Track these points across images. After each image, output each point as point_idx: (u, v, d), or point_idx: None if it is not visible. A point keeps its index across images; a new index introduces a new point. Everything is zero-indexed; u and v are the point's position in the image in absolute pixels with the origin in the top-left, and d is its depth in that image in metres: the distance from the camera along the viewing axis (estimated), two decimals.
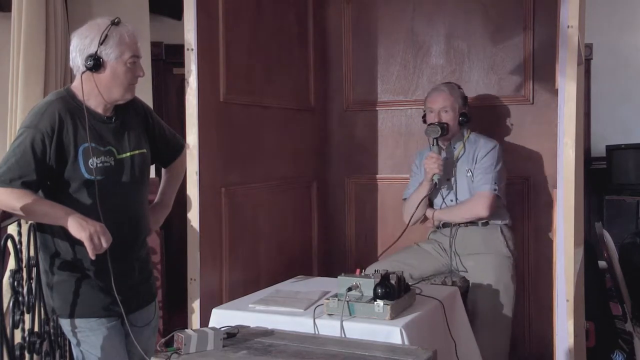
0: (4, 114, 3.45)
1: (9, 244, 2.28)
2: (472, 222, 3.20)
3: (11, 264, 2.47)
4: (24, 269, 2.36)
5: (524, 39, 3.46)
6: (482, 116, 3.49)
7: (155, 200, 2.62)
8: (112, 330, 2.31)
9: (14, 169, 2.15)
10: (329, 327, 2.33)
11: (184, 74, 2.72)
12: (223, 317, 2.51)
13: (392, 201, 3.72)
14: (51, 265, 2.29)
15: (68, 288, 2.27)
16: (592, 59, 6.06)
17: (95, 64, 2.23)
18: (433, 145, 3.18)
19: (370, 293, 2.38)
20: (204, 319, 2.65)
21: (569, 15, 2.33)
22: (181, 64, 2.78)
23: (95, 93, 2.28)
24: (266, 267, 3.20)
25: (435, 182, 3.18)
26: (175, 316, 4.15)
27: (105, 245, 2.12)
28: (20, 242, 2.35)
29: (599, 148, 6.04)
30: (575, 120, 2.34)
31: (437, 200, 3.30)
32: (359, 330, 2.29)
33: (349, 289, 2.40)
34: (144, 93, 3.33)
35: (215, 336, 2.10)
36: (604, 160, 5.98)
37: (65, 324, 2.31)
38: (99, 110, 2.31)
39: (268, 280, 3.09)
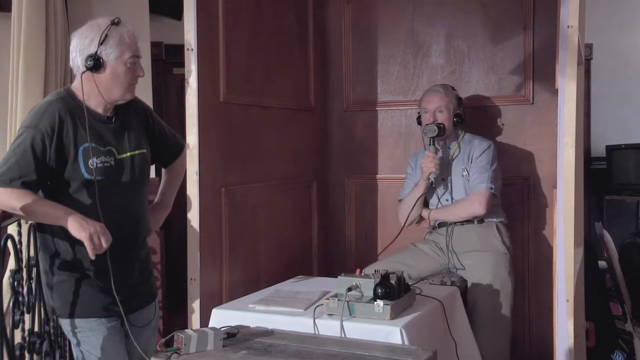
0: (4, 114, 3.45)
1: (9, 244, 2.28)
2: (468, 221, 3.21)
3: (11, 264, 2.47)
4: (24, 269, 2.36)
5: (524, 39, 3.46)
6: (482, 116, 3.49)
7: (155, 200, 2.62)
8: (112, 331, 2.31)
9: (14, 169, 2.15)
10: (329, 327, 2.33)
11: (184, 74, 2.72)
12: (223, 317, 2.51)
13: (392, 201, 3.71)
14: (51, 265, 2.29)
15: (68, 288, 2.27)
16: (592, 59, 6.06)
17: (95, 64, 2.23)
18: (429, 144, 3.20)
19: (370, 293, 2.38)
20: (204, 319, 2.65)
21: (569, 15, 2.33)
22: (181, 64, 2.78)
23: (95, 93, 2.28)
24: (266, 267, 3.20)
25: (432, 182, 3.19)
26: (175, 316, 4.15)
27: (105, 245, 2.12)
28: (20, 242, 2.35)
29: (599, 148, 6.04)
30: (575, 120, 2.34)
31: (433, 200, 3.32)
32: (359, 330, 2.29)
33: (349, 289, 2.40)
34: (144, 93, 3.33)
35: (215, 336, 2.10)
36: (604, 160, 5.98)
37: (65, 324, 2.31)
38: (99, 110, 2.31)
39: (268, 280, 3.09)
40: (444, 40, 3.64)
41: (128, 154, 2.35)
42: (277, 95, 3.35)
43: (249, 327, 2.35)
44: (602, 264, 3.79)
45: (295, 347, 2.10)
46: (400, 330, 2.25)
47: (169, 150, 2.61)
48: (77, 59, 2.26)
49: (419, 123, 3.33)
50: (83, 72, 2.26)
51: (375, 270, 2.48)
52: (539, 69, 3.43)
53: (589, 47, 5.93)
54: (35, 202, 2.15)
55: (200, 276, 2.70)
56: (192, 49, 2.69)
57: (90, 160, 2.23)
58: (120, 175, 2.32)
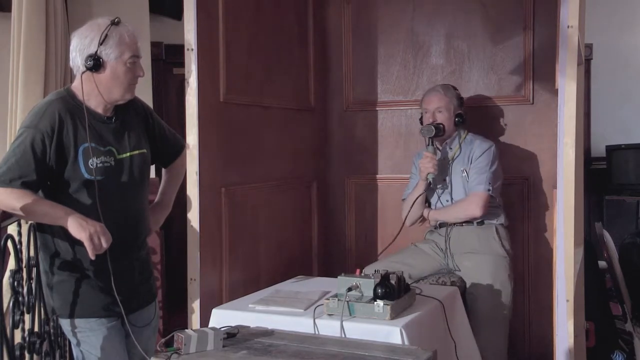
0: (4, 114, 3.45)
1: (9, 244, 2.28)
2: (467, 222, 3.21)
3: (11, 264, 2.47)
4: (24, 269, 2.36)
5: (524, 39, 3.46)
6: (482, 116, 3.49)
7: (155, 200, 2.62)
8: (112, 331, 2.31)
9: (14, 169, 2.15)
10: (329, 327, 2.33)
11: (184, 74, 2.72)
12: (223, 317, 2.51)
13: (392, 201, 3.72)
14: (51, 266, 2.29)
15: (68, 288, 2.27)
16: (592, 59, 6.06)
17: (95, 64, 2.23)
18: (428, 145, 3.20)
19: (370, 293, 2.38)
20: (204, 319, 2.65)
21: (569, 15, 2.33)
22: (181, 64, 2.77)
23: (95, 93, 2.28)
24: (266, 267, 3.20)
25: (430, 182, 3.19)
26: (175, 316, 4.15)
27: (105, 245, 2.12)
28: (20, 242, 2.35)
29: (599, 148, 6.04)
30: (575, 120, 2.34)
31: (433, 200, 3.33)
32: (359, 330, 2.29)
33: (349, 289, 2.40)
34: (144, 93, 3.33)
35: (215, 336, 2.10)
36: (604, 160, 5.98)
37: (65, 324, 2.31)
38: (99, 110, 2.31)
39: (268, 280, 3.09)
40: (444, 40, 3.64)
41: (128, 154, 2.35)
42: (277, 95, 3.35)
43: (249, 327, 2.35)
44: (602, 264, 3.79)
45: (295, 347, 2.10)
46: (400, 330, 2.25)
47: (169, 150, 2.61)
48: (77, 59, 2.26)
49: (422, 123, 3.33)
50: (83, 72, 2.26)
51: (375, 270, 2.48)
52: (539, 69, 3.43)
53: (589, 47, 5.93)
54: (35, 202, 2.15)
55: (200, 276, 2.70)
56: (192, 49, 2.69)
57: (90, 160, 2.23)
58: (120, 175, 2.32)
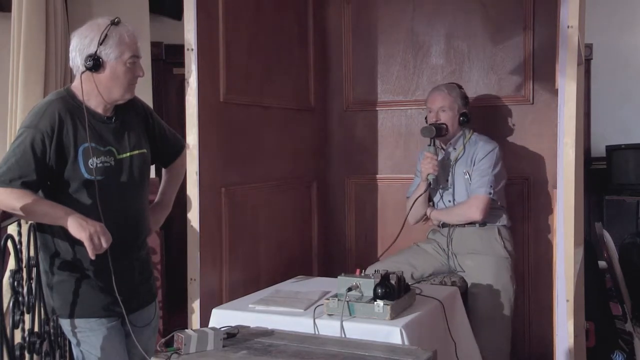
0: (4, 114, 3.45)
1: (9, 244, 2.28)
2: (470, 223, 3.20)
3: (11, 264, 2.47)
4: (24, 269, 2.36)
5: (524, 39, 3.46)
6: (482, 116, 3.49)
7: (156, 200, 2.61)
8: (112, 331, 2.31)
9: (14, 169, 2.15)
10: (329, 327, 2.33)
11: (184, 74, 2.72)
12: (223, 317, 2.51)
13: (392, 201, 3.72)
14: (51, 266, 2.29)
15: (68, 288, 2.27)
16: (592, 59, 6.06)
17: (95, 64, 2.22)
18: (429, 145, 3.19)
19: (370, 293, 2.38)
20: (204, 319, 2.65)
21: (569, 15, 2.33)
22: (181, 64, 2.77)
23: (95, 93, 2.28)
24: (266, 267, 3.20)
25: (430, 182, 3.18)
26: (175, 316, 4.15)
27: (105, 245, 2.12)
28: (20, 242, 2.35)
29: (599, 148, 6.04)
30: (575, 120, 2.34)
31: (436, 199, 3.33)
32: (359, 330, 2.29)
33: (349, 289, 2.40)
34: (144, 93, 3.33)
35: (215, 336, 2.10)
36: (604, 160, 5.98)
37: (65, 324, 2.31)
38: (99, 110, 2.31)
39: (268, 280, 3.09)
40: (444, 40, 3.64)
41: (128, 154, 2.35)
42: (277, 95, 3.35)
43: (249, 327, 2.35)
44: (602, 264, 3.79)
45: (295, 347, 2.10)
46: (400, 330, 2.25)
47: (169, 150, 2.61)
48: (76, 58, 2.26)
49: (427, 122, 3.30)
50: (83, 72, 2.26)
51: (375, 270, 2.48)
52: (539, 69, 3.43)
53: (589, 47, 5.93)
54: (35, 202, 2.15)
55: (200, 276, 2.70)
56: (192, 49, 2.69)
57: (90, 160, 2.23)
58: (120, 175, 2.32)
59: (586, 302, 2.88)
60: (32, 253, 2.39)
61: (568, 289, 2.36)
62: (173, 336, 2.10)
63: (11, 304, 2.23)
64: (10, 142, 2.46)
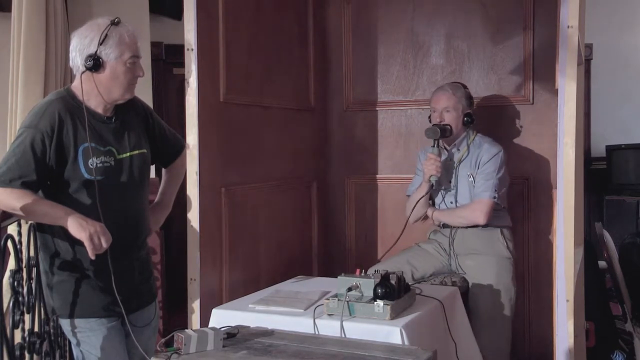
0: (4, 114, 3.45)
1: (9, 244, 2.28)
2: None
3: (11, 264, 2.47)
4: (24, 269, 2.36)
5: (524, 39, 3.46)
6: (482, 116, 3.48)
7: (155, 200, 2.61)
8: (112, 331, 2.31)
9: (14, 169, 2.15)
10: (329, 327, 2.33)
11: (184, 74, 2.72)
12: (223, 317, 2.51)
13: (392, 201, 3.72)
14: (51, 266, 2.29)
15: (68, 288, 2.27)
16: (592, 59, 6.06)
17: (95, 64, 2.22)
18: (433, 146, 3.16)
19: (370, 293, 2.38)
20: (204, 319, 2.65)
21: (569, 15, 2.33)
22: (181, 64, 2.77)
23: (95, 93, 2.28)
24: (266, 267, 3.20)
25: (432, 184, 3.17)
26: (175, 316, 4.15)
27: (105, 245, 2.12)
28: (20, 242, 2.35)
29: (599, 148, 6.04)
30: (575, 120, 2.34)
31: (438, 200, 3.30)
32: (359, 330, 2.29)
33: (349, 289, 2.40)
34: (144, 93, 3.33)
35: (215, 336, 2.10)
36: (604, 160, 5.98)
37: (65, 324, 2.31)
38: (99, 110, 2.31)
39: (268, 280, 3.09)
40: (444, 40, 3.64)
41: (128, 154, 2.35)
42: (277, 95, 3.35)
43: (249, 327, 2.35)
44: (602, 264, 3.79)
45: (295, 347, 2.10)
46: (400, 331, 2.25)
47: (169, 150, 2.61)
48: (76, 58, 2.26)
49: (431, 122, 3.28)
50: (83, 72, 2.26)
51: (375, 271, 2.48)
52: (539, 69, 3.43)
53: (589, 47, 5.93)
54: (35, 202, 2.15)
55: (200, 276, 2.70)
56: (192, 49, 2.69)
57: (90, 160, 2.23)
58: (120, 175, 2.32)
59: (586, 302, 2.89)
60: (32, 253, 2.39)
61: (568, 289, 2.36)
62: (173, 336, 2.10)
63: (11, 304, 2.23)
64: (10, 142, 2.46)
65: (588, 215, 5.26)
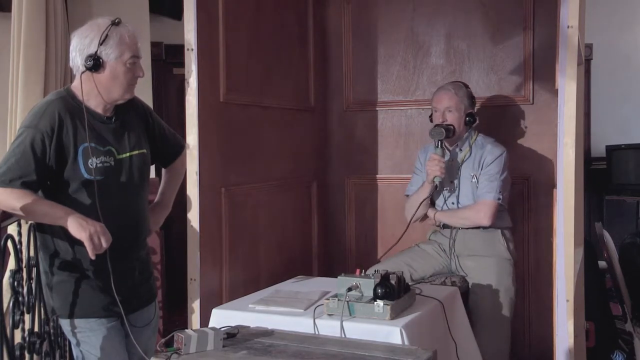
0: (4, 114, 3.45)
1: (9, 244, 2.28)
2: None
3: (11, 264, 2.47)
4: (24, 269, 2.36)
5: (524, 39, 3.46)
6: (482, 116, 3.48)
7: (155, 200, 2.61)
8: (112, 331, 2.31)
9: (14, 169, 2.15)
10: (329, 327, 2.33)
11: (184, 74, 2.72)
12: (223, 317, 2.51)
13: (392, 201, 3.72)
14: (51, 266, 2.29)
15: (68, 288, 2.27)
16: (592, 59, 6.06)
17: (95, 64, 2.22)
18: (436, 147, 3.14)
19: (370, 293, 2.38)
20: (204, 319, 2.65)
21: (569, 15, 2.33)
22: (181, 64, 2.78)
23: (94, 93, 2.28)
24: (266, 267, 3.20)
25: (436, 185, 3.16)
26: (175, 316, 4.15)
27: (105, 245, 2.12)
28: (20, 242, 2.35)
29: (599, 148, 6.04)
30: (575, 120, 2.34)
31: (439, 201, 3.29)
32: (359, 330, 2.29)
33: (349, 289, 2.40)
34: (144, 93, 3.33)
35: (215, 336, 2.10)
36: (604, 160, 5.98)
37: (65, 324, 2.31)
38: (99, 110, 2.31)
39: (268, 280, 3.09)
40: (444, 40, 3.64)
41: (128, 154, 2.35)
42: (277, 95, 3.35)
43: (249, 327, 2.34)
44: (602, 264, 3.78)
45: (295, 347, 2.10)
46: (400, 331, 2.25)
47: (169, 151, 2.61)
48: (76, 58, 2.26)
49: (432, 121, 3.27)
50: (83, 72, 2.26)
51: (375, 271, 2.48)
52: (539, 69, 3.43)
53: (589, 47, 5.93)
54: (35, 202, 2.15)
55: (200, 276, 2.70)
56: (192, 49, 2.69)
57: (90, 160, 2.23)
58: (120, 175, 2.32)
59: (586, 302, 2.88)
60: (32, 253, 2.39)
61: (568, 289, 2.36)
62: (173, 336, 2.09)
63: (11, 304, 2.23)
64: (10, 142, 2.46)
65: (588, 215, 5.26)
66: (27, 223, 2.41)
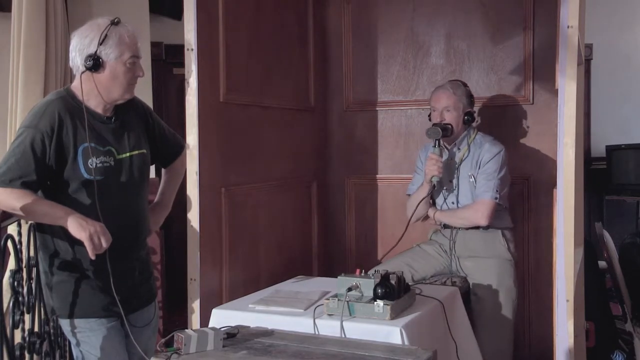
0: (4, 114, 3.45)
1: (9, 244, 2.28)
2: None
3: (11, 264, 2.47)
4: (24, 269, 2.36)
5: (524, 39, 3.46)
6: (482, 116, 3.49)
7: (155, 200, 2.61)
8: (112, 331, 2.31)
9: (14, 169, 2.15)
10: (329, 327, 2.33)
11: (184, 74, 2.72)
12: (223, 317, 2.51)
13: (392, 201, 3.72)
14: (51, 266, 2.28)
15: (68, 288, 2.27)
16: (592, 59, 6.06)
17: (95, 64, 2.22)
18: (434, 146, 3.14)
19: (370, 293, 2.38)
20: (204, 319, 2.65)
21: (569, 15, 2.33)
22: (181, 64, 2.78)
23: (94, 93, 2.28)
24: (266, 267, 3.20)
25: (434, 185, 3.16)
26: (175, 316, 4.15)
27: (105, 245, 2.12)
28: (20, 242, 2.35)
29: (599, 148, 6.04)
30: (575, 120, 2.34)
31: (439, 200, 3.28)
32: (359, 330, 2.29)
33: (349, 289, 2.40)
34: (144, 93, 3.33)
35: (215, 336, 2.10)
36: (604, 160, 5.98)
37: (65, 324, 2.31)
38: (99, 110, 2.31)
39: (268, 280, 3.09)
40: (444, 40, 3.64)
41: (127, 154, 2.35)
42: (277, 95, 3.35)
43: (249, 327, 2.35)
44: (602, 264, 3.78)
45: (295, 347, 2.10)
46: (400, 331, 2.25)
47: (169, 151, 2.61)
48: (76, 58, 2.26)
49: (430, 120, 3.26)
50: (82, 72, 2.26)
51: (375, 270, 2.48)
52: (539, 69, 3.43)
53: (589, 47, 5.93)
54: (35, 202, 2.15)
55: (200, 276, 2.70)
56: (192, 49, 2.69)
57: (90, 160, 2.23)
58: (120, 176, 2.32)
59: (586, 302, 2.88)
60: (32, 253, 2.39)
61: (568, 289, 2.36)
62: (173, 336, 2.09)
63: (11, 304, 2.23)
64: (10, 142, 2.46)
65: (588, 215, 5.26)
66: (27, 223, 2.41)
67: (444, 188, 3.24)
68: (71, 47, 2.27)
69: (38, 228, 2.32)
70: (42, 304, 2.42)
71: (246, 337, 2.20)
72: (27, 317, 2.35)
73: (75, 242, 2.17)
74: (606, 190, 5.96)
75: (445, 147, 3.23)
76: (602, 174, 5.97)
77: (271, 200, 3.28)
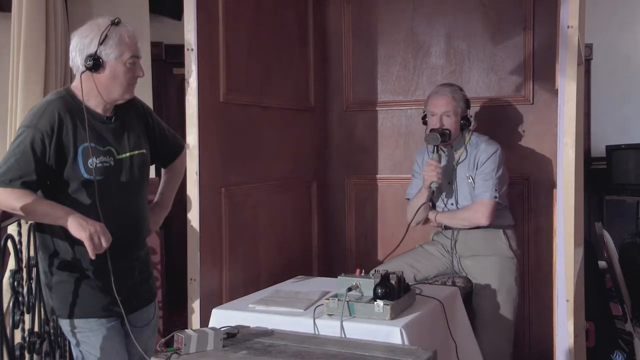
0: (4, 114, 3.45)
1: (9, 244, 2.28)
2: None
3: (11, 264, 2.47)
4: (24, 269, 2.36)
5: (524, 39, 3.46)
6: (482, 116, 3.49)
7: (155, 200, 2.61)
8: (112, 331, 2.31)
9: (13, 169, 2.15)
10: (329, 327, 2.33)
11: (184, 74, 2.72)
12: (223, 317, 2.51)
13: (392, 201, 3.72)
14: (50, 266, 2.28)
15: (67, 288, 2.27)
16: (592, 59, 6.06)
17: (95, 64, 2.22)
18: (433, 152, 3.14)
19: (370, 293, 2.38)
20: (204, 319, 2.65)
21: (569, 15, 2.33)
22: (181, 64, 2.78)
23: (94, 93, 2.28)
24: (266, 267, 3.20)
25: (433, 190, 3.16)
26: (175, 316, 4.15)
27: (105, 245, 2.12)
28: (20, 242, 2.35)
29: (599, 148, 6.04)
30: (575, 120, 2.34)
31: (439, 203, 3.28)
32: (359, 330, 2.29)
33: (349, 289, 2.40)
34: (144, 93, 3.33)
35: (215, 336, 2.10)
36: (604, 160, 5.98)
37: (64, 324, 2.31)
38: (99, 110, 2.31)
39: (268, 280, 3.09)
40: (444, 40, 3.64)
41: (127, 154, 2.35)
42: (277, 95, 3.35)
43: (249, 327, 2.35)
44: (602, 264, 3.79)
45: (295, 347, 2.10)
46: (400, 331, 2.25)
47: (169, 151, 2.61)
48: (76, 58, 2.26)
49: (425, 123, 3.27)
50: (82, 72, 2.26)
51: (375, 270, 2.48)
52: (539, 69, 3.43)
53: (589, 47, 5.93)
54: (35, 202, 2.15)
55: (200, 276, 2.70)
56: (192, 49, 2.69)
57: (90, 160, 2.23)
58: (120, 175, 2.32)
59: (586, 302, 2.89)
60: (32, 253, 2.39)
61: (568, 289, 2.36)
62: (173, 336, 2.10)
63: (11, 304, 2.23)
64: (10, 142, 2.46)
65: (588, 215, 5.26)
66: (27, 223, 2.41)
67: (443, 193, 3.23)
68: (71, 47, 2.27)
69: (38, 228, 2.32)
70: (42, 304, 2.42)
71: (246, 337, 2.20)
72: (27, 317, 2.35)
73: (75, 242, 2.17)
74: (606, 190, 5.96)
75: (442, 150, 3.22)
76: (602, 174, 5.97)
77: (271, 200, 3.28)
